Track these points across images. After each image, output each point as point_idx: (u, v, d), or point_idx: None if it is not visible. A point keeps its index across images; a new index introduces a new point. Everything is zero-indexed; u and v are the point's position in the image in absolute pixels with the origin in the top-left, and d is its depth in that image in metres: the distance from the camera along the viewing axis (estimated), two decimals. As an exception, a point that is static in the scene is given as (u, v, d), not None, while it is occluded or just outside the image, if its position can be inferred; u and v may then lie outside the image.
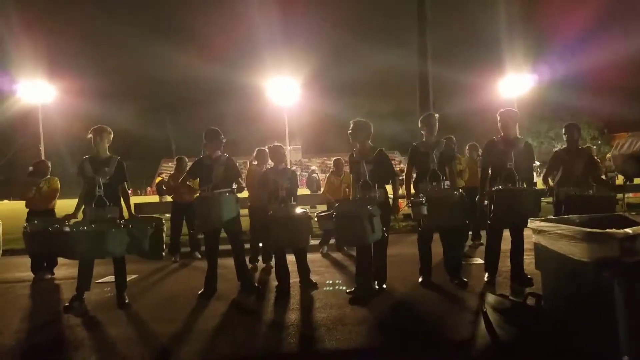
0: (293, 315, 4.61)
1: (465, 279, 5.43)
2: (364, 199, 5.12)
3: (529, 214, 4.91)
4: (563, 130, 5.78)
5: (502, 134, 5.43)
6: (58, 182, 7.24)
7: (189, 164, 8.33)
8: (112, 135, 5.38)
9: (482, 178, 5.57)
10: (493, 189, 5.22)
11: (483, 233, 7.81)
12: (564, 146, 5.92)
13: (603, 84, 46.42)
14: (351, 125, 5.34)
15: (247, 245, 7.55)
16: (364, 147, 5.33)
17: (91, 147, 5.33)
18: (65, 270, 6.94)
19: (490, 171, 5.43)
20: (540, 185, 6.03)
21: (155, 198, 23.88)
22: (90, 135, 5.30)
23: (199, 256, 7.97)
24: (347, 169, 6.91)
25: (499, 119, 5.44)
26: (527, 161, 5.37)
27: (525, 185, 5.19)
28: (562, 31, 51.63)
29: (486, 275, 5.45)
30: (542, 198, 5.64)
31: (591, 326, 2.87)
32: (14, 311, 5.22)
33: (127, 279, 5.44)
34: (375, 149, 5.31)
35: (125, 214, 5.38)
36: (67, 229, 4.90)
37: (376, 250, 5.22)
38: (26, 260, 6.76)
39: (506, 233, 5.37)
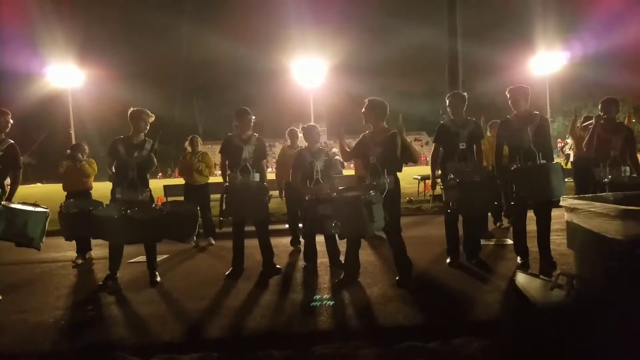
0: (321, 294, 4.65)
1: (483, 259, 5.38)
2: (366, 186, 4.81)
3: (552, 188, 4.81)
4: (600, 105, 5.56)
5: (514, 112, 5.25)
6: (95, 164, 7.43)
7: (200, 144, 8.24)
8: (152, 119, 5.43)
9: (497, 157, 5.44)
10: (512, 168, 5.08)
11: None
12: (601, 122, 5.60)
13: (638, 59, 44.69)
14: (365, 104, 4.98)
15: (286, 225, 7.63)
16: (377, 128, 4.95)
17: (121, 130, 5.41)
18: (99, 250, 7.10)
19: (508, 150, 5.29)
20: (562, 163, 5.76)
21: (181, 180, 24.16)
22: (129, 115, 5.36)
23: (213, 242, 7.78)
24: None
25: (508, 96, 5.26)
26: (545, 136, 5.16)
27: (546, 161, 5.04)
28: (595, 5, 49.76)
29: (518, 258, 5.28)
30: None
31: (626, 305, 2.81)
32: (50, 290, 5.40)
33: (158, 259, 5.58)
34: (389, 131, 4.89)
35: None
36: (104, 212, 5.06)
37: (389, 240, 5.02)
38: (61, 242, 6.92)
39: (531, 213, 5.23)
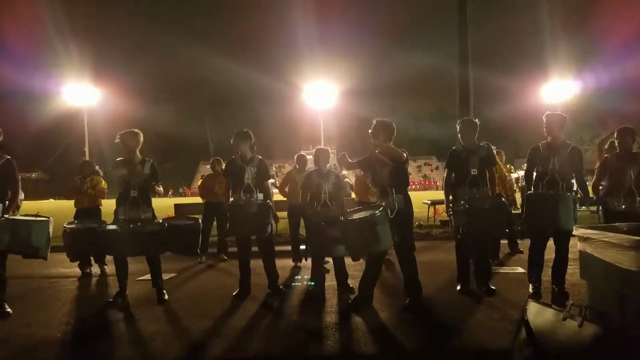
0: (327, 318, 4.60)
1: (493, 287, 5.29)
2: (374, 206, 4.82)
3: (559, 219, 4.78)
4: (615, 134, 5.51)
5: (547, 139, 5.23)
6: (102, 181, 7.49)
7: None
8: (141, 137, 5.47)
9: (527, 183, 5.40)
10: (526, 194, 5.10)
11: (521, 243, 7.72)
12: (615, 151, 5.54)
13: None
14: (373, 124, 5.01)
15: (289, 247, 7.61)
16: (384, 148, 4.92)
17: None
18: (108, 266, 7.14)
19: (534, 177, 5.26)
20: (591, 194, 5.68)
21: (193, 199, 24.28)
22: (118, 140, 5.40)
23: (226, 258, 8.03)
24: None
25: (544, 121, 5.24)
26: (574, 167, 5.10)
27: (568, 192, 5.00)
28: (609, 34, 49.81)
29: (530, 286, 5.19)
30: (586, 206, 5.39)
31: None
32: (58, 305, 5.40)
33: (166, 277, 5.56)
34: (397, 151, 4.89)
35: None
36: (106, 226, 5.14)
37: (400, 260, 4.97)
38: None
39: (550, 242, 5.14)
